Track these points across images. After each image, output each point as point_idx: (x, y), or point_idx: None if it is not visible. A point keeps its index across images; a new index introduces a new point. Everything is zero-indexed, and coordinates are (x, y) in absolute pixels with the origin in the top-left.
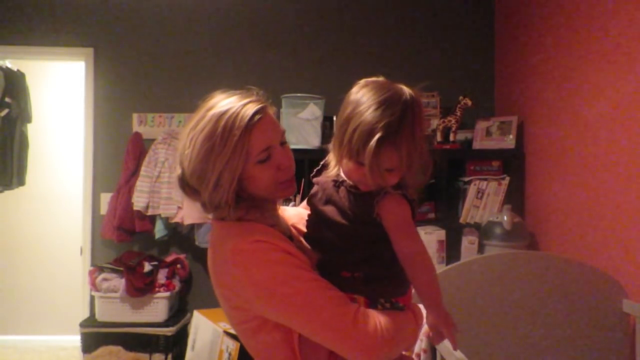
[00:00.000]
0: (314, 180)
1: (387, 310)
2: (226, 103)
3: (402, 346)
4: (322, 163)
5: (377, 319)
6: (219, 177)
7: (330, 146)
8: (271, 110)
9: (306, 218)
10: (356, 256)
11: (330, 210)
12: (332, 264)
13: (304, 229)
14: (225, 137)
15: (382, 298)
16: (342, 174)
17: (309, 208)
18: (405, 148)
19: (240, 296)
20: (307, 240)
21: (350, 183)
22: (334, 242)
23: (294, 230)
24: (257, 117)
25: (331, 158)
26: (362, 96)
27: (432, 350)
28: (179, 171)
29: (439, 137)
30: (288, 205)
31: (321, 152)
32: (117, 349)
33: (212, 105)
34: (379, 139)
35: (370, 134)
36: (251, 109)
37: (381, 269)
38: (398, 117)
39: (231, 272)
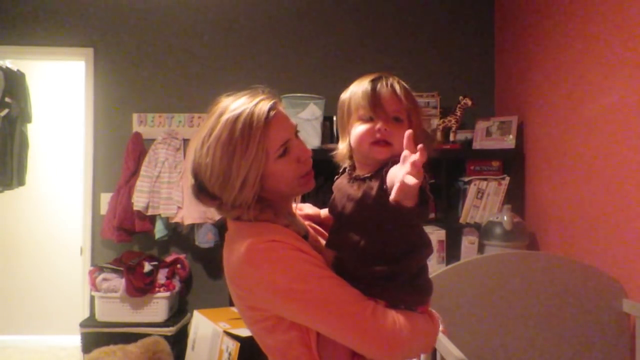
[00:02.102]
0: (333, 187)
1: (404, 311)
2: (237, 105)
3: (420, 346)
4: (341, 169)
5: (396, 316)
6: (245, 178)
7: (339, 141)
8: (281, 105)
9: (320, 218)
10: (382, 269)
11: (348, 206)
12: (354, 270)
13: (320, 229)
14: (247, 138)
15: (402, 305)
16: (356, 171)
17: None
18: (404, 94)
19: (257, 295)
20: (329, 247)
21: (362, 174)
22: (357, 246)
23: (310, 230)
24: (272, 113)
25: (342, 151)
26: (350, 86)
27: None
28: (192, 181)
29: (439, 137)
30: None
31: (321, 152)
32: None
33: (223, 111)
34: (372, 80)
35: (364, 84)
36: (264, 106)
37: (406, 282)
38: (386, 74)
39: (247, 271)
